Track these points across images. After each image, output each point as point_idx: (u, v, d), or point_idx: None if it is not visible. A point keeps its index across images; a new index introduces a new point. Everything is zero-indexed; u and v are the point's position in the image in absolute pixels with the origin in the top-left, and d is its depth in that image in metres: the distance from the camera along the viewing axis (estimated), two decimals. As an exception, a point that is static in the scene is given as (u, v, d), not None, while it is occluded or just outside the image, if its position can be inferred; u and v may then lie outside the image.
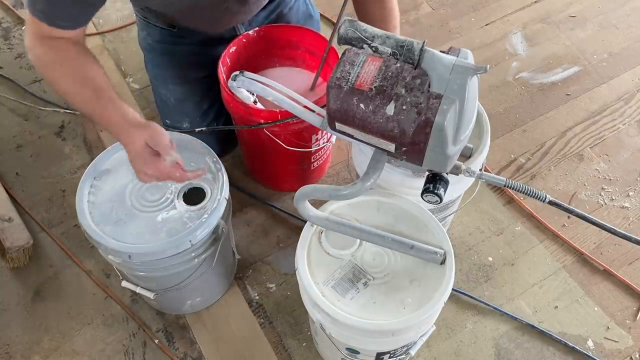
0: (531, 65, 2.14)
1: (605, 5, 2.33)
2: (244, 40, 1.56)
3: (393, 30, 1.33)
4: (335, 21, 1.49)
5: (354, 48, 0.92)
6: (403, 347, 1.22)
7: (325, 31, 1.97)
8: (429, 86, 0.85)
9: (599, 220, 1.09)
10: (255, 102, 1.44)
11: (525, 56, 2.17)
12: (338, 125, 0.96)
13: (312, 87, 1.57)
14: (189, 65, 1.62)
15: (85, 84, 1.19)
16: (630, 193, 1.82)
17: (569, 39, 2.22)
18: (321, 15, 2.25)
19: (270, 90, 1.15)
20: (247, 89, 1.32)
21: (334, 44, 1.51)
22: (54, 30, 1.17)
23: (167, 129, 1.22)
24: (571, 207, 1.09)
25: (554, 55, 2.17)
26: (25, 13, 2.24)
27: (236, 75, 1.26)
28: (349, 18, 0.86)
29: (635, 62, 2.15)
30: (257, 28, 1.57)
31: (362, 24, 0.85)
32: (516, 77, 2.11)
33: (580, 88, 2.07)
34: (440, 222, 1.18)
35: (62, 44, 1.19)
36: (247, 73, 1.26)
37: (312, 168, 1.71)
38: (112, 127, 1.21)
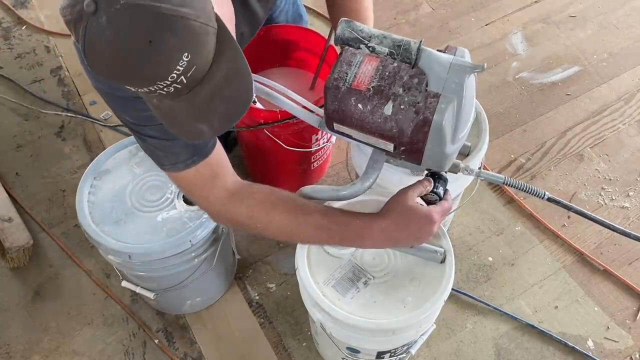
0: (531, 65, 2.14)
1: (605, 5, 2.33)
2: (244, 40, 1.56)
3: (366, 22, 1.27)
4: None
5: (351, 48, 0.92)
6: (403, 346, 1.22)
7: (324, 30, 1.96)
8: (427, 85, 0.85)
9: (597, 217, 1.09)
10: (254, 102, 1.44)
11: (525, 56, 2.17)
12: (336, 126, 0.96)
13: (312, 87, 1.57)
14: None
15: (300, 214, 1.02)
16: (631, 193, 1.82)
17: (569, 39, 2.22)
18: (321, 14, 2.26)
19: (269, 90, 1.15)
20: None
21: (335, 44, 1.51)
22: (213, 162, 1.02)
23: None
24: (569, 204, 1.09)
25: (554, 55, 2.17)
26: (25, 13, 2.25)
27: (235, 75, 1.26)
28: (346, 19, 0.86)
29: (635, 62, 2.15)
30: (256, 28, 1.57)
31: (359, 24, 0.85)
32: (516, 77, 2.11)
33: (580, 88, 2.07)
34: (439, 221, 1.18)
35: (237, 188, 1.05)
36: (246, 73, 1.25)
37: (312, 168, 1.71)
38: (364, 235, 1.02)
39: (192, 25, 0.70)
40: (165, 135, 0.97)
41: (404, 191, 1.00)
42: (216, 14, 0.74)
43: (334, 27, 1.36)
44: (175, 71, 0.71)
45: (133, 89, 0.75)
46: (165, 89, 0.73)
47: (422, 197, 1.04)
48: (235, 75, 0.78)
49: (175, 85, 0.73)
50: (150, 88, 0.73)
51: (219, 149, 1.04)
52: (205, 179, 1.02)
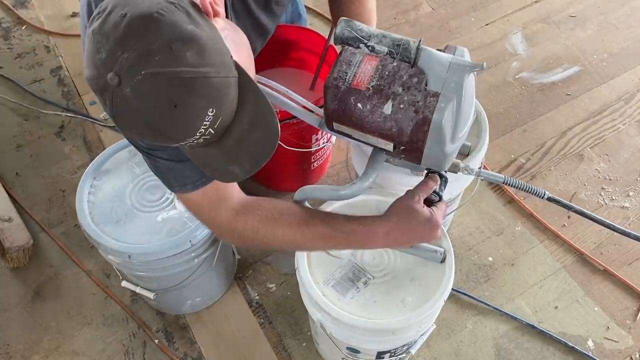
0: (531, 65, 2.14)
1: (605, 5, 2.33)
2: (244, 40, 1.56)
3: (369, 24, 1.28)
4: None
5: (350, 48, 0.92)
6: (403, 345, 1.22)
7: (324, 30, 1.97)
8: (426, 84, 0.85)
9: (597, 217, 1.09)
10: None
11: (525, 56, 2.17)
12: (336, 126, 0.96)
13: (312, 87, 1.57)
14: None
15: (304, 226, 1.04)
16: (631, 193, 1.82)
17: (569, 39, 2.22)
18: (321, 14, 2.26)
19: (269, 91, 1.15)
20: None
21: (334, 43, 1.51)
22: (220, 185, 1.03)
23: None
24: (569, 203, 1.09)
25: (554, 55, 2.17)
26: (25, 13, 2.25)
27: (236, 76, 1.26)
28: (345, 18, 0.86)
29: (635, 62, 2.15)
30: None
31: (358, 23, 0.85)
32: (516, 77, 2.11)
33: (580, 88, 2.07)
34: (439, 221, 1.18)
35: (242, 206, 1.06)
36: (246, 73, 1.25)
37: (312, 168, 1.71)
38: (369, 240, 1.03)
39: (213, 81, 0.72)
40: (177, 158, 0.98)
41: (410, 194, 1.01)
42: (235, 61, 0.76)
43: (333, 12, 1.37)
44: (202, 127, 0.73)
45: (164, 145, 0.78)
46: (195, 142, 0.76)
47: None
48: (261, 116, 0.80)
49: (204, 137, 0.75)
50: (181, 143, 0.76)
51: None
52: (211, 201, 1.04)
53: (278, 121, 0.81)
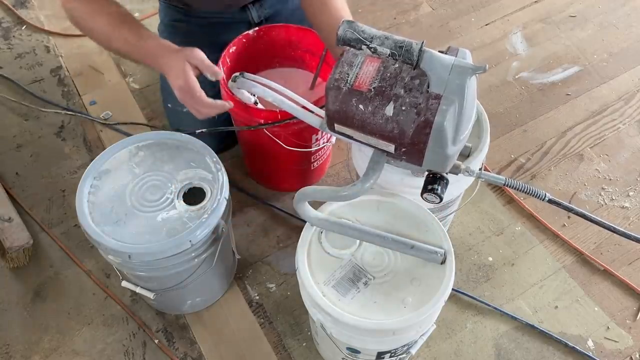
0: (531, 65, 2.14)
1: (605, 5, 2.33)
2: (244, 40, 1.56)
3: (340, 9, 1.37)
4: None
5: (352, 49, 0.92)
6: (404, 346, 1.22)
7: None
8: (428, 86, 0.85)
9: (597, 218, 1.09)
10: (256, 102, 1.44)
11: (525, 56, 2.17)
12: (337, 127, 0.96)
13: (312, 87, 1.57)
14: None
15: (120, 26, 1.30)
16: (631, 193, 1.82)
17: (569, 39, 2.22)
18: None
19: (270, 91, 1.15)
20: (247, 90, 1.32)
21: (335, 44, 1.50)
22: None
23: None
24: (570, 205, 1.09)
25: (554, 55, 2.17)
26: (25, 13, 2.25)
27: (236, 77, 1.26)
28: (347, 19, 0.86)
29: (635, 62, 2.15)
30: (257, 28, 1.57)
31: (361, 25, 0.85)
32: (516, 77, 2.11)
33: (580, 88, 2.07)
34: (440, 221, 1.18)
35: None
36: (247, 74, 1.26)
37: (312, 168, 1.71)
38: (150, 57, 1.30)
39: None
40: None
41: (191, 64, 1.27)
42: None
43: (309, 19, 1.45)
44: None
45: None
46: None
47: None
48: None
49: None
50: None
51: None
52: None
53: None
